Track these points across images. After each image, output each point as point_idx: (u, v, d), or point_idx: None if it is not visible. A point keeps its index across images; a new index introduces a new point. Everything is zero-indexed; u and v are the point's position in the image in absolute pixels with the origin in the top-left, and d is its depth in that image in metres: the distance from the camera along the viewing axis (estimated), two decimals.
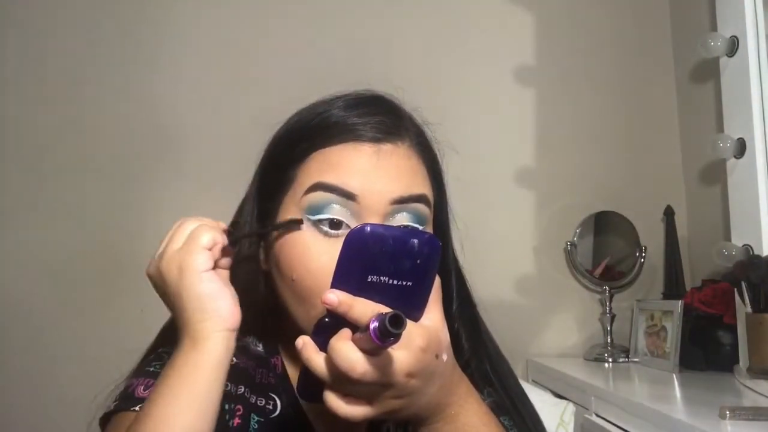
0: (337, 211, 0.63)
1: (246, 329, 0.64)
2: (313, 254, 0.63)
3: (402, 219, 0.65)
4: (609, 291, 1.62)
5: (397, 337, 0.47)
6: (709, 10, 1.56)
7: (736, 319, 1.29)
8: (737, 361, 1.28)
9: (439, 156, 0.74)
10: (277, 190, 0.69)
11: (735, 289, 1.28)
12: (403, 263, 0.53)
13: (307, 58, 1.65)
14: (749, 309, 1.21)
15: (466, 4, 1.74)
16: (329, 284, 0.53)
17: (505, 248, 1.68)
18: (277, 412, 0.69)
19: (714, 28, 1.50)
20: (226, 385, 0.60)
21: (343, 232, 0.62)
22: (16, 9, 1.63)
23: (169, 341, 0.71)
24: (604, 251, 1.70)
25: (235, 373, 0.67)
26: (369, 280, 0.53)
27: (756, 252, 1.32)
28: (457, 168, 1.58)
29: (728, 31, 1.44)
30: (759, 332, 1.19)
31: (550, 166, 1.71)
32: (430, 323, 0.55)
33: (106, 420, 0.66)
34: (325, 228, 0.63)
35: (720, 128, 1.48)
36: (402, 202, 0.65)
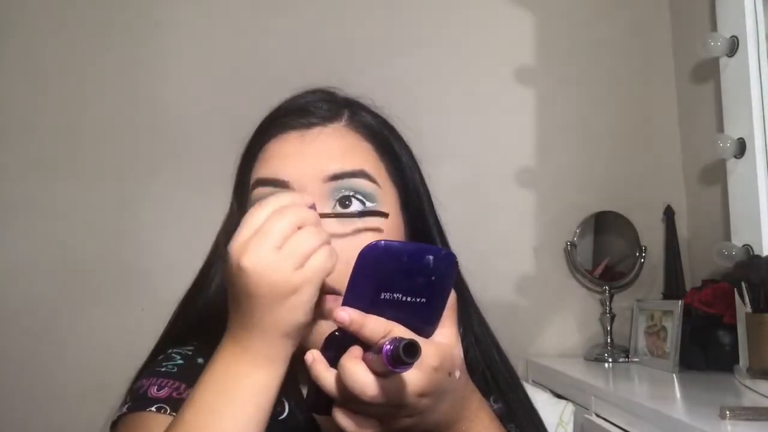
0: None
1: None
2: None
3: (345, 195, 0.64)
4: (609, 291, 1.62)
5: (410, 366, 0.46)
6: (709, 10, 1.56)
7: (736, 319, 1.29)
8: (737, 361, 1.27)
9: (393, 137, 0.73)
10: (242, 196, 0.70)
11: (735, 289, 1.28)
12: (418, 280, 0.51)
13: (308, 59, 1.65)
14: (749, 309, 1.21)
15: (466, 4, 1.74)
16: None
17: (506, 248, 1.67)
18: (285, 414, 0.68)
19: (714, 28, 1.50)
20: None
21: None
22: (16, 9, 1.63)
23: (176, 342, 0.72)
24: (604, 251, 1.70)
25: None
26: (382, 297, 0.51)
27: (756, 252, 1.31)
28: (458, 168, 1.63)
29: (728, 31, 1.43)
30: (759, 332, 1.19)
31: (550, 166, 1.71)
32: (444, 340, 0.54)
33: (116, 423, 0.65)
34: None
35: (720, 128, 1.48)
36: (337, 178, 0.64)
